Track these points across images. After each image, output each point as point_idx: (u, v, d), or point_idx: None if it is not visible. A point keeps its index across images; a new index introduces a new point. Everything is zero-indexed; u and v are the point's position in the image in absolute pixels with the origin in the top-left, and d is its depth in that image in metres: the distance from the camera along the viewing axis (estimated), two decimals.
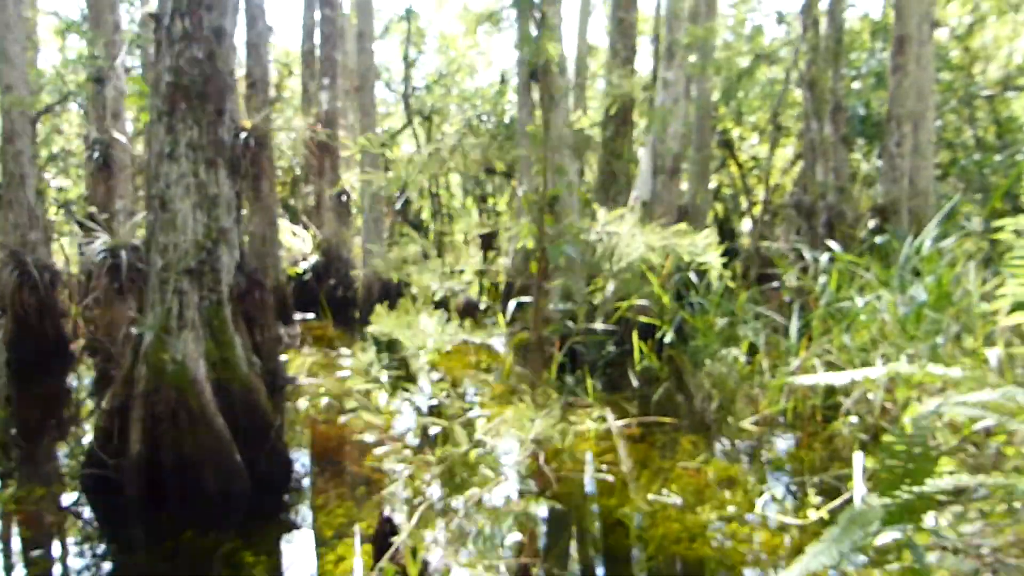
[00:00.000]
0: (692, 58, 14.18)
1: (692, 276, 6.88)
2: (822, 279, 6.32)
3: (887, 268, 6.52)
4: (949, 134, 14.52)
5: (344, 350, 10.04)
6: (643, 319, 6.75)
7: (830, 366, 5.51)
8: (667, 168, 10.06)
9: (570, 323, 7.30)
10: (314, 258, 14.23)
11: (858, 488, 3.53)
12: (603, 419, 5.92)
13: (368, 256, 12.79)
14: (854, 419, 5.38)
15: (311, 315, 13.46)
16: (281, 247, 12.13)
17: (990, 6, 15.58)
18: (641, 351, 6.69)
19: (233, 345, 4.95)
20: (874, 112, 12.66)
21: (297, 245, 15.14)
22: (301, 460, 5.65)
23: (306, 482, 5.22)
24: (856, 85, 13.54)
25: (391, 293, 12.71)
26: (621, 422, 5.84)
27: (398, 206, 16.88)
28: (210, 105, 4.85)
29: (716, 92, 16.55)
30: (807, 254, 6.40)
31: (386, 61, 20.19)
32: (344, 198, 14.65)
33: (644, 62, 17.60)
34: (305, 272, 14.04)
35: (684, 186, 15.68)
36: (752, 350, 6.26)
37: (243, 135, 8.05)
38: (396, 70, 19.59)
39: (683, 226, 4.13)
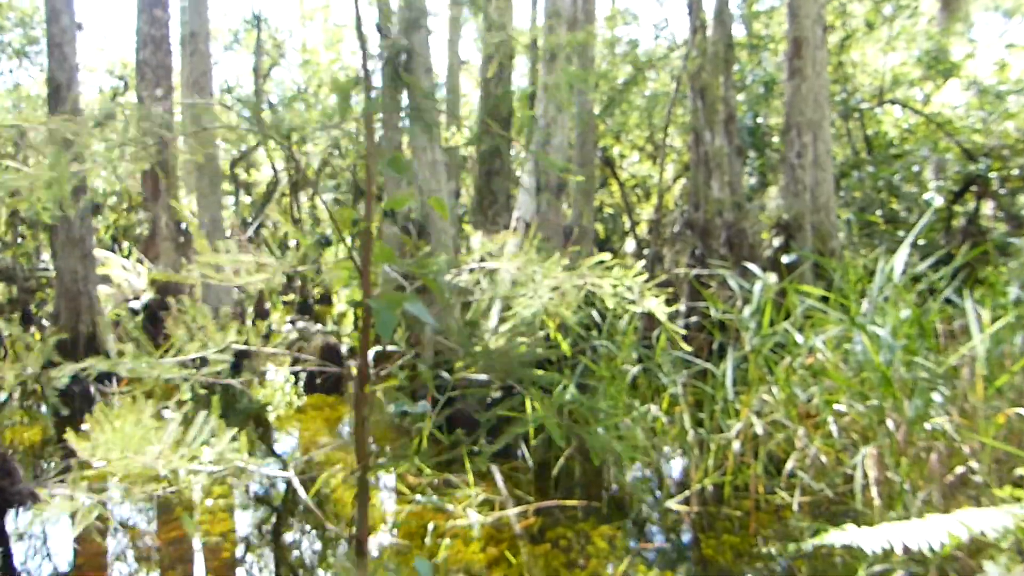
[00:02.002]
0: (572, 67, 13.21)
1: (594, 314, 5.62)
2: (746, 311, 5.19)
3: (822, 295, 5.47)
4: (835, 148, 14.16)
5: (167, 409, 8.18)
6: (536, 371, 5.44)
7: (776, 426, 4.36)
8: (551, 185, 8.86)
9: (445, 373, 5.88)
10: (147, 296, 12.14)
11: None
12: (490, 506, 4.52)
13: (207, 292, 10.90)
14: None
15: None
16: (97, 285, 10.10)
17: (860, 20, 15.51)
18: (534, 408, 5.37)
19: None
20: (762, 125, 12.02)
21: (132, 281, 13.00)
22: None
23: None
24: (740, 97, 12.91)
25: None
26: (515, 510, 4.45)
27: (249, 233, 14.95)
28: None
29: (597, 107, 15.68)
30: (732, 283, 5.25)
31: (239, 74, 18.20)
32: (184, 225, 12.68)
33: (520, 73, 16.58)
34: (137, 313, 11.94)
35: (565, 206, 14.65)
36: (672, 403, 5.05)
37: None
38: (250, 84, 17.70)
39: (604, 257, 2.83)
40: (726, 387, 4.41)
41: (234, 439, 2.47)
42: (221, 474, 2.37)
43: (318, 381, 8.91)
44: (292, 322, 10.76)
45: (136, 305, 12.00)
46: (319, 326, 9.81)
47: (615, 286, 2.68)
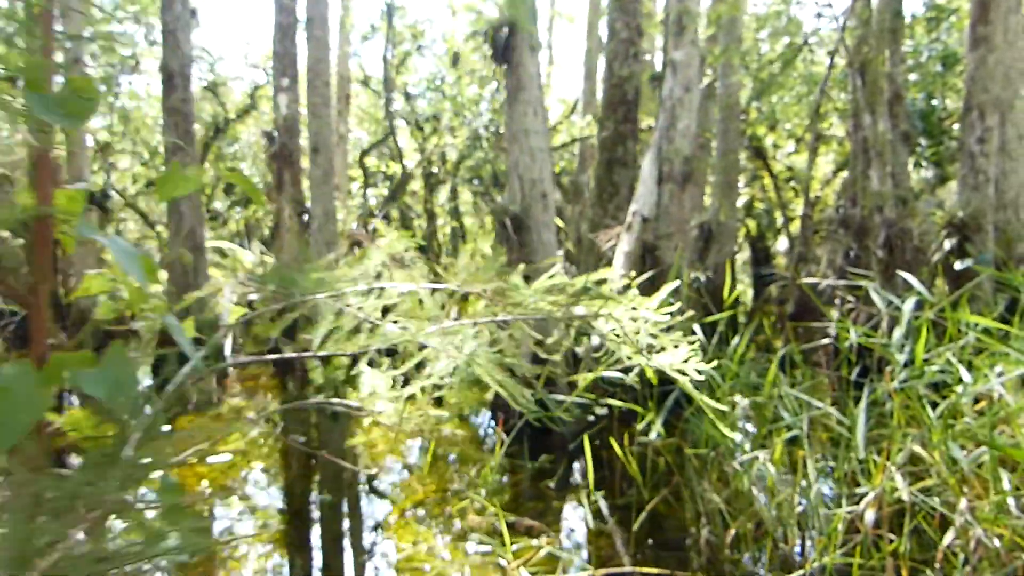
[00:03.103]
0: (710, 35, 11.96)
1: (696, 328, 4.61)
2: (896, 334, 4.01)
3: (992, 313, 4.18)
4: None
5: (251, 417, 7.92)
6: (616, 401, 4.51)
7: (928, 492, 3.23)
8: (675, 174, 7.81)
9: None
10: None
11: None
12: (552, 566, 3.70)
13: None
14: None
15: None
16: (208, 278, 10.11)
17: None
18: (619, 447, 4.46)
19: None
20: (938, 107, 10.29)
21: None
22: None
23: None
24: (913, 76, 11.17)
25: None
26: None
27: (362, 225, 14.78)
28: None
29: (744, 92, 14.27)
30: (876, 298, 4.05)
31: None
32: (307, 217, 12.60)
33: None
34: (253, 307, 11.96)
35: (708, 200, 13.40)
36: (789, 450, 3.99)
37: None
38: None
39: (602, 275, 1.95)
40: (856, 436, 3.32)
41: None
42: None
43: None
44: None
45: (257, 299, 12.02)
46: None
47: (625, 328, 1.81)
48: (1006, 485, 3.15)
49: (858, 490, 3.35)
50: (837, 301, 8.11)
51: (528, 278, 6.29)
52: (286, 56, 12.42)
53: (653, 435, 4.02)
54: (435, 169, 18.40)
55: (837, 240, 9.45)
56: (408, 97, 17.75)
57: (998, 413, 3.31)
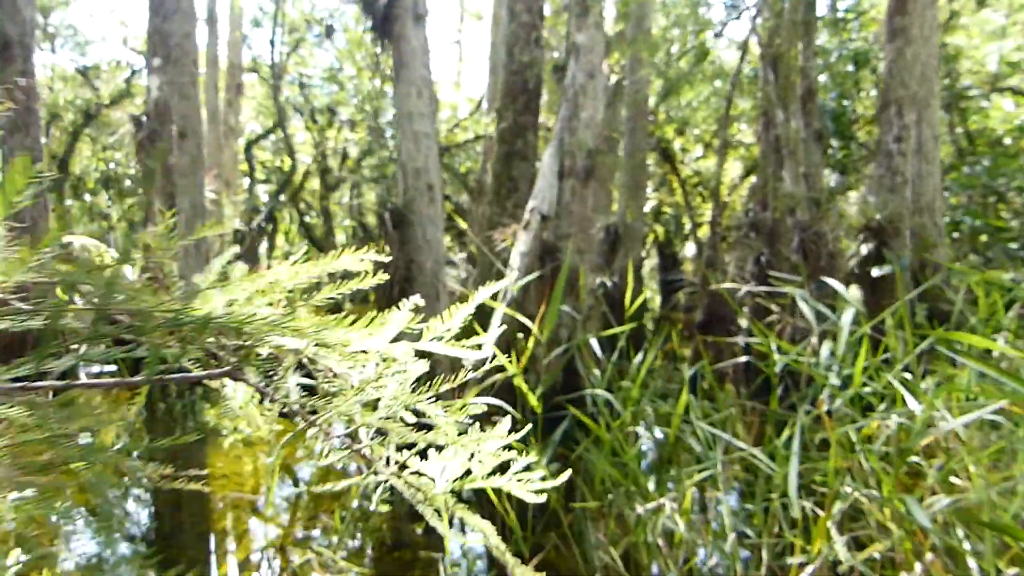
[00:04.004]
0: (619, 30, 11.37)
1: (594, 343, 3.82)
2: (824, 351, 3.33)
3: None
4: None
5: None
6: None
7: (877, 568, 2.52)
8: (578, 169, 7.08)
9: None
10: None
11: None
12: None
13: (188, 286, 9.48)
14: None
15: (114, 368, 10.10)
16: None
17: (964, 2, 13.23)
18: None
19: None
20: (849, 108, 9.95)
21: (126, 273, 11.74)
22: None
23: None
24: (823, 78, 10.86)
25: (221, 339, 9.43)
26: None
27: (257, 223, 13.57)
28: None
29: (653, 90, 13.79)
30: (805, 308, 3.31)
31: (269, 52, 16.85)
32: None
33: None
34: None
35: (615, 206, 12.81)
36: (701, 492, 3.26)
37: None
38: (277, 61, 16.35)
39: None
40: (788, 485, 2.58)
41: None
42: None
43: None
44: None
45: None
46: None
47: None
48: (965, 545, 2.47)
49: (792, 559, 2.61)
50: (746, 309, 7.56)
51: (402, 289, 5.33)
52: (157, 34, 11.14)
53: (537, 474, 3.22)
54: (333, 165, 17.27)
55: (747, 245, 8.94)
56: (302, 87, 16.58)
57: (954, 457, 2.64)
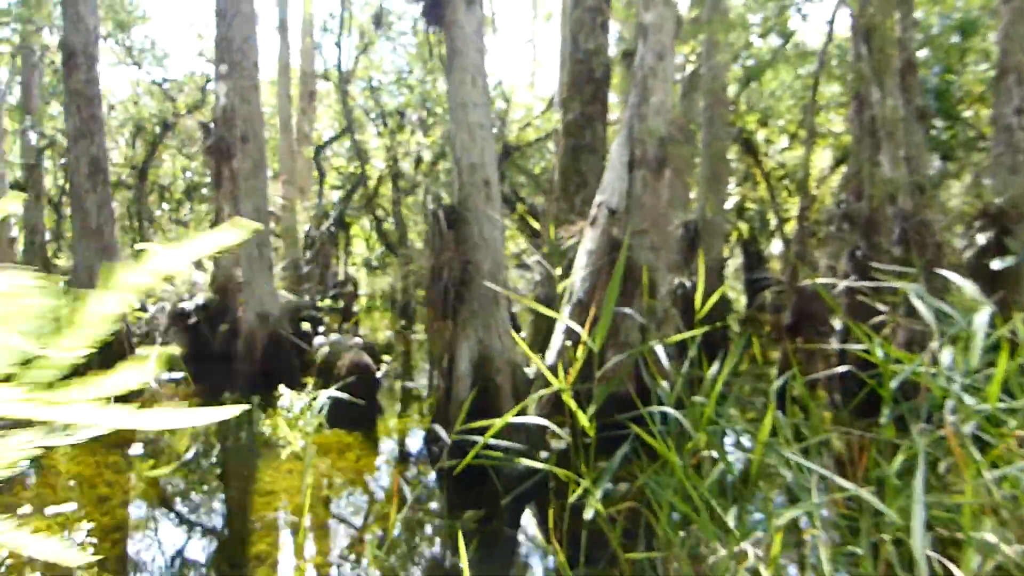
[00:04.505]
0: (692, 16, 10.67)
1: (660, 351, 3.26)
2: (945, 357, 2.69)
3: None
4: None
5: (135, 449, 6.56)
6: (541, 465, 3.09)
7: None
8: (649, 158, 6.51)
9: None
10: (203, 296, 10.79)
11: None
12: None
13: (250, 294, 9.34)
14: None
15: (179, 375, 10.06)
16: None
17: None
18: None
19: None
20: (955, 85, 8.99)
21: (195, 278, 11.77)
22: None
23: None
24: (923, 53, 9.88)
25: (282, 347, 9.24)
26: None
27: (324, 227, 13.40)
28: None
29: (732, 78, 13.00)
30: (921, 306, 2.66)
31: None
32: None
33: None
34: (189, 315, 10.62)
35: (693, 195, 12.10)
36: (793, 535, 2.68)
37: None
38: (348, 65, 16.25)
39: None
40: (913, 538, 1.98)
41: None
42: None
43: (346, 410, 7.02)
44: (338, 331, 8.98)
45: (188, 306, 10.68)
46: (357, 339, 7.93)
47: None
48: None
49: None
50: (843, 306, 6.80)
51: (458, 293, 4.87)
52: (223, 42, 11.11)
53: (589, 513, 2.68)
54: (407, 169, 17.10)
55: (841, 239, 8.15)
56: (372, 91, 16.46)
57: None
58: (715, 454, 2.87)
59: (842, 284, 5.26)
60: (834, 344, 6.82)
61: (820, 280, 5.92)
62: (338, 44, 13.28)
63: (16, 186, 14.05)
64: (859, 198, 8.34)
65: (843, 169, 13.61)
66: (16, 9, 11.84)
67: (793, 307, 7.51)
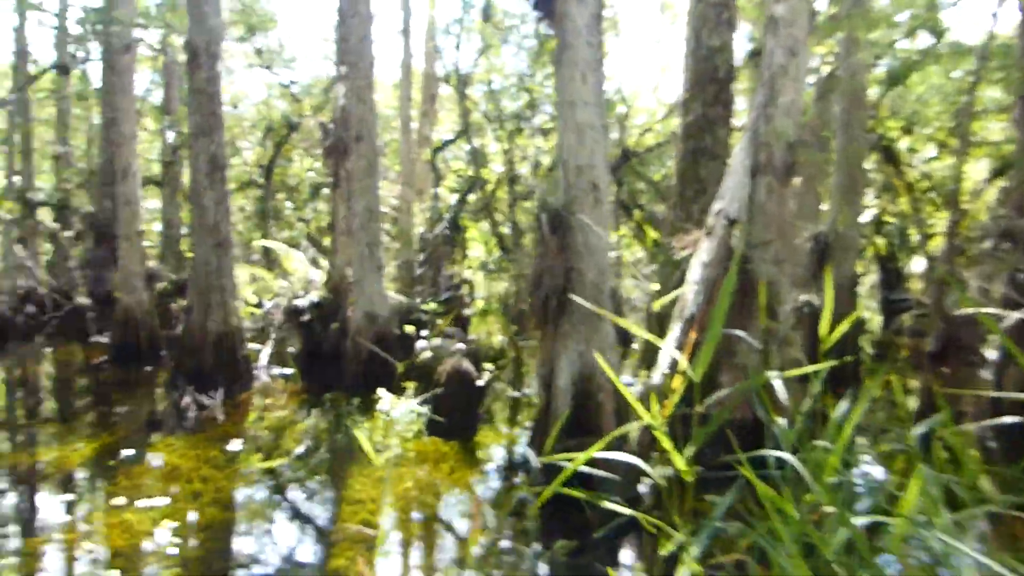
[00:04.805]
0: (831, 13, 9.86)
1: (777, 383, 2.79)
2: None
3: None
4: None
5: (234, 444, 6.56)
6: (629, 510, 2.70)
7: None
8: (775, 164, 5.93)
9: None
10: (314, 295, 10.92)
11: None
12: None
13: (360, 294, 9.33)
14: None
15: (290, 371, 10.20)
16: (233, 278, 8.94)
17: None
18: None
19: None
20: None
21: (311, 276, 11.97)
22: None
23: None
24: None
25: (390, 346, 9.17)
26: None
27: (438, 229, 13.34)
28: None
29: (872, 79, 12.01)
30: None
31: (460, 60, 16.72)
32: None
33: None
34: (303, 312, 10.77)
35: (824, 206, 11.21)
36: None
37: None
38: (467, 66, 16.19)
39: None
40: None
41: None
42: None
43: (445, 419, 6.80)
44: (442, 335, 8.81)
45: (302, 303, 10.83)
46: (461, 344, 7.71)
47: None
48: None
49: None
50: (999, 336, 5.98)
51: (559, 301, 4.51)
52: (342, 42, 11.25)
53: (683, 573, 2.25)
54: (525, 173, 16.94)
55: (998, 259, 7.25)
56: (492, 94, 16.35)
57: None
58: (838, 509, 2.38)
59: (1014, 316, 4.53)
60: (986, 375, 6.01)
61: (984, 310, 5.16)
62: (457, 47, 13.23)
63: (152, 181, 14.82)
64: (1021, 214, 7.42)
65: (1001, 182, 12.29)
66: (160, 13, 12.43)
67: (939, 333, 6.70)
